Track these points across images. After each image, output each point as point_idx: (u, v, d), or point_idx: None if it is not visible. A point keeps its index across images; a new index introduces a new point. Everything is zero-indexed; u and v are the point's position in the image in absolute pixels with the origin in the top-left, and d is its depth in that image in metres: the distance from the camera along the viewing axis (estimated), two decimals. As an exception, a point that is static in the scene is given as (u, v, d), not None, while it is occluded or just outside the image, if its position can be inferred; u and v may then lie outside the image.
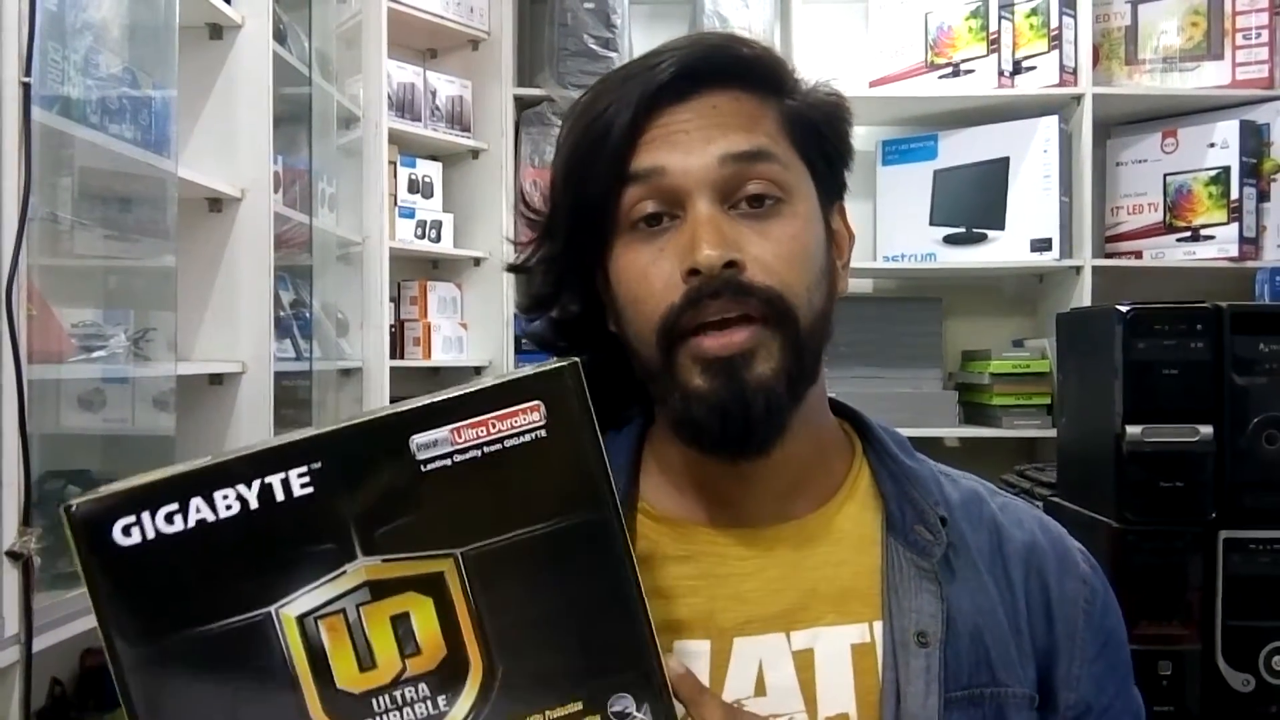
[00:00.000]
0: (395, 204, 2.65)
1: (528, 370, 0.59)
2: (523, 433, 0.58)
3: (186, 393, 1.78)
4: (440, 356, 2.74)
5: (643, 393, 0.83)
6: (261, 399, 1.91)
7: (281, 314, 2.07)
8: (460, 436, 0.57)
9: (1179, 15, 2.77)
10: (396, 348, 2.69)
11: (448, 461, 0.57)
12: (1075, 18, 2.73)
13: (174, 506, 0.55)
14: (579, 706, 0.58)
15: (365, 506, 0.57)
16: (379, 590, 0.57)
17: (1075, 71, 2.72)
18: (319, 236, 2.21)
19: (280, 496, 0.56)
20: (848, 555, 0.78)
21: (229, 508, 0.56)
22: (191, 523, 0.55)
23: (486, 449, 0.57)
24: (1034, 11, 2.74)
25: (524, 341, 2.80)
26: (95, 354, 1.51)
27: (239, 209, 1.90)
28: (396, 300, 2.73)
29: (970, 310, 2.99)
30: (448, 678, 0.57)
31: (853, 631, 0.75)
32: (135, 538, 0.55)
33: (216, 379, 1.90)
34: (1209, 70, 2.75)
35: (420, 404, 0.58)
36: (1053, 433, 2.49)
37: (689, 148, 0.73)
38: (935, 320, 2.88)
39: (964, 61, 2.80)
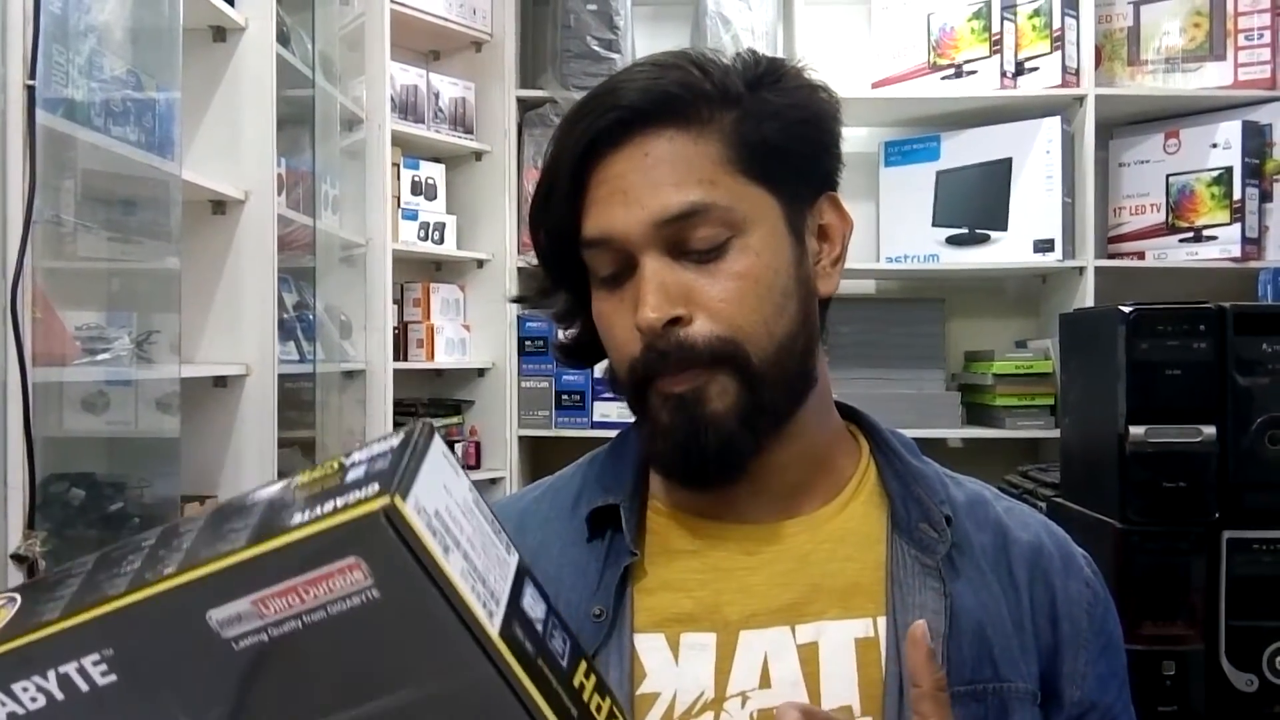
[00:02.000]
0: (398, 206, 2.65)
1: (332, 517, 0.44)
2: (347, 596, 0.44)
3: (190, 395, 1.78)
4: (443, 358, 2.75)
5: None
6: (265, 401, 1.91)
7: (285, 316, 2.07)
8: (267, 608, 0.44)
9: (1181, 16, 2.76)
10: (400, 350, 2.69)
11: (263, 637, 0.45)
12: (1078, 19, 2.73)
13: None
14: None
15: (183, 691, 0.47)
16: None
17: (1078, 72, 2.72)
18: (322, 238, 2.21)
19: (84, 687, 0.47)
20: (853, 551, 0.79)
21: (34, 699, 0.47)
22: (2, 716, 0.47)
23: (307, 619, 0.44)
24: (1036, 12, 2.74)
25: (528, 343, 2.82)
26: (99, 357, 1.52)
27: (242, 211, 1.90)
28: (400, 302, 2.73)
29: (973, 311, 2.99)
30: None
31: (857, 626, 0.76)
32: None
33: (220, 381, 1.90)
34: (1211, 71, 2.75)
35: (207, 570, 0.45)
36: (1056, 433, 2.49)
37: (627, 208, 0.74)
38: (938, 321, 2.88)
39: (966, 62, 2.80)
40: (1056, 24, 2.71)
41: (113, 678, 0.46)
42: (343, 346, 2.37)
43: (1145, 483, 1.75)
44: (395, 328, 2.62)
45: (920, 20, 2.85)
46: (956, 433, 2.78)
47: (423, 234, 2.72)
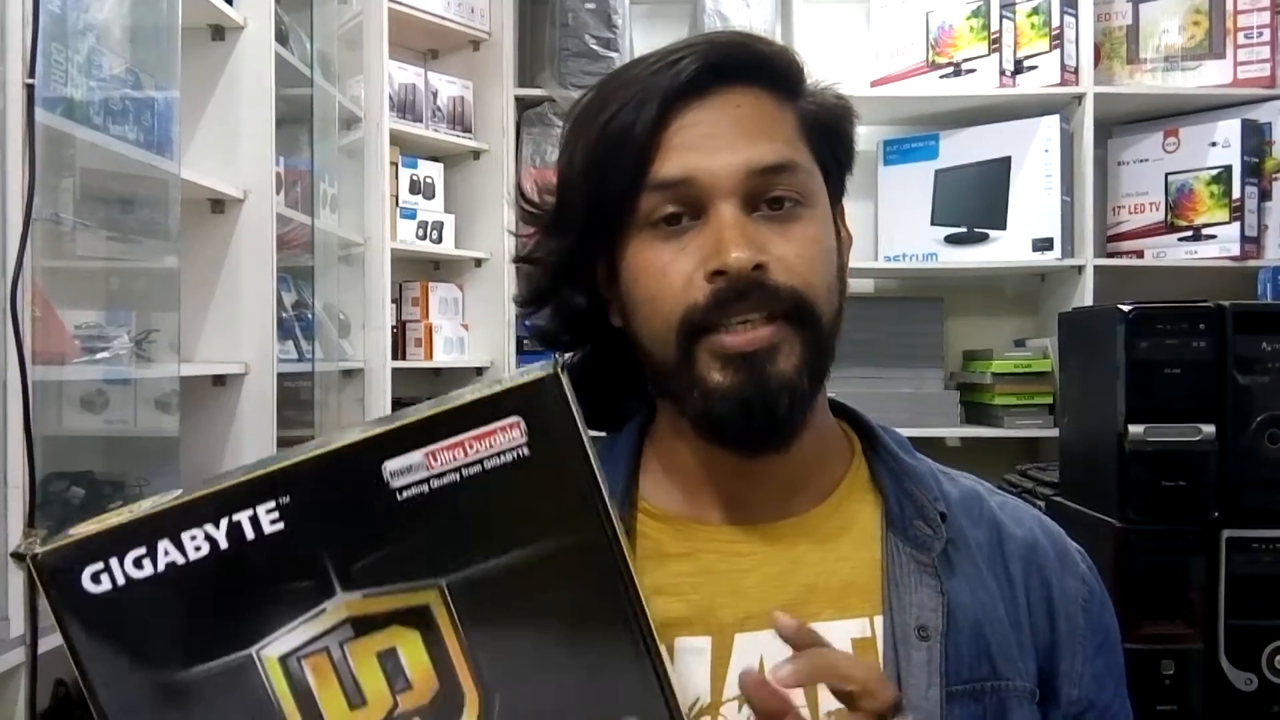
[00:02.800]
0: (397, 205, 2.65)
1: (505, 382, 0.55)
2: (503, 452, 0.54)
3: (189, 394, 1.78)
4: (442, 357, 2.74)
5: (642, 389, 0.83)
6: (264, 400, 1.91)
7: (284, 315, 2.07)
8: (436, 461, 0.54)
9: (1180, 14, 2.76)
10: (398, 349, 2.69)
11: (425, 488, 0.54)
12: (1076, 17, 2.73)
13: (141, 551, 0.53)
14: None
15: (341, 540, 0.54)
16: (362, 626, 0.55)
17: (1076, 71, 2.72)
18: (321, 237, 2.21)
19: (250, 535, 0.54)
20: (847, 551, 0.78)
21: (198, 549, 0.54)
22: (161, 566, 0.53)
23: (465, 472, 0.54)
24: (1035, 11, 2.74)
25: (525, 342, 2.81)
26: (98, 355, 1.51)
27: (241, 210, 1.90)
28: (398, 301, 2.73)
29: (972, 310, 2.99)
30: (443, 711, 0.55)
31: (853, 626, 0.75)
32: (105, 584, 0.53)
33: (219, 380, 1.90)
34: (1210, 69, 2.75)
35: (391, 427, 0.54)
36: (1055, 432, 2.49)
37: (714, 153, 0.73)
38: (936, 320, 2.88)
39: (965, 61, 2.80)
40: (1055, 22, 2.71)
41: (280, 525, 0.53)
42: (341, 345, 2.37)
43: (1144, 482, 1.75)
44: (393, 327, 2.62)
45: (919, 18, 2.85)
46: (955, 432, 2.78)
47: (421, 233, 2.72)
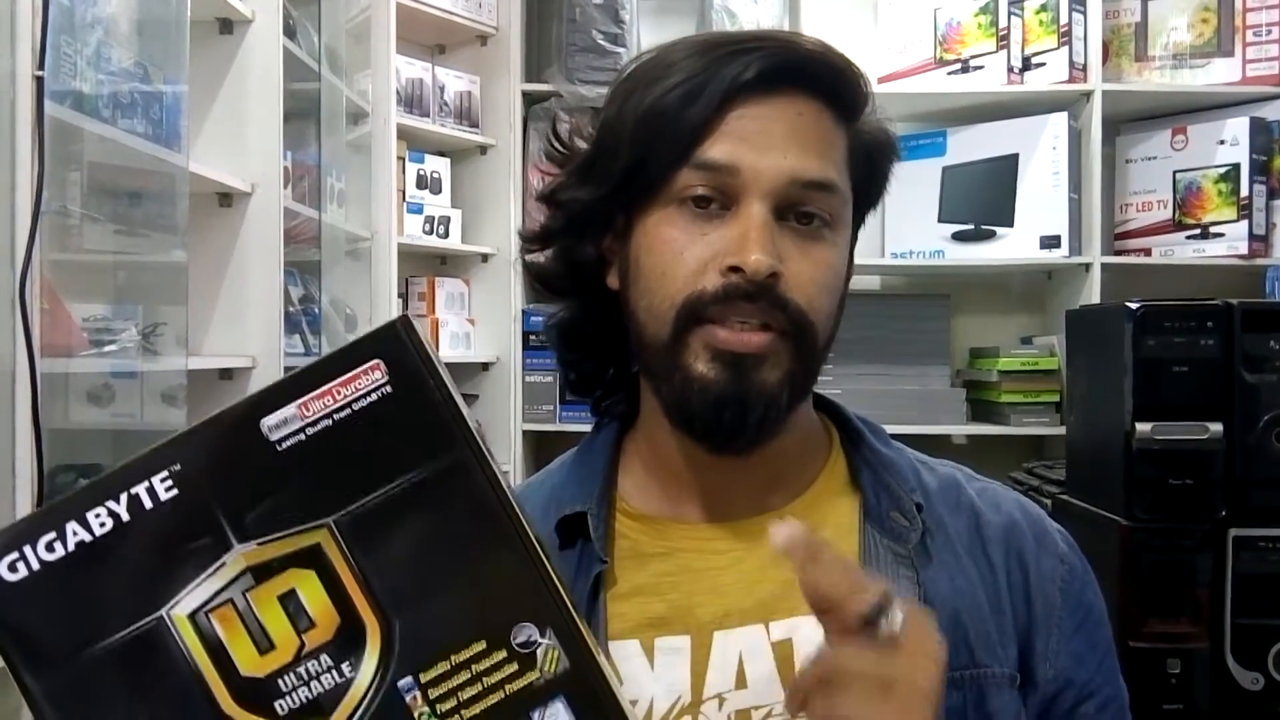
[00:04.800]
0: (404, 199, 2.65)
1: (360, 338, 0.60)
2: (368, 393, 0.58)
3: (196, 387, 1.78)
4: (448, 352, 2.74)
5: (622, 359, 0.84)
6: (271, 394, 1.91)
7: (290, 309, 2.07)
8: (309, 410, 0.58)
9: (1189, 12, 2.76)
10: (404, 343, 2.69)
11: (301, 436, 0.58)
12: (1085, 14, 2.72)
13: (52, 535, 0.57)
14: (482, 645, 0.58)
15: (231, 495, 0.58)
16: (260, 573, 0.58)
17: (1085, 68, 2.71)
18: (328, 232, 2.21)
19: (148, 504, 0.57)
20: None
21: (103, 525, 0.57)
22: (71, 546, 0.57)
23: (336, 416, 0.58)
24: (1043, 8, 2.73)
25: (532, 337, 2.81)
26: (106, 348, 1.52)
27: (249, 204, 1.90)
28: (405, 296, 2.73)
29: (978, 307, 2.99)
30: (347, 643, 0.58)
31: None
32: (22, 571, 0.56)
33: (226, 374, 1.90)
34: (1219, 67, 2.74)
35: (265, 388, 0.59)
36: (1061, 430, 2.49)
37: (765, 151, 0.73)
38: (943, 317, 2.87)
39: (973, 58, 2.79)
40: (1064, 19, 2.70)
41: (175, 492, 0.57)
42: (348, 340, 2.37)
43: (1151, 480, 1.75)
44: (400, 321, 2.62)
45: (927, 15, 2.84)
46: (961, 429, 2.77)
47: (428, 228, 2.72)
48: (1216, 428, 1.73)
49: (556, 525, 0.79)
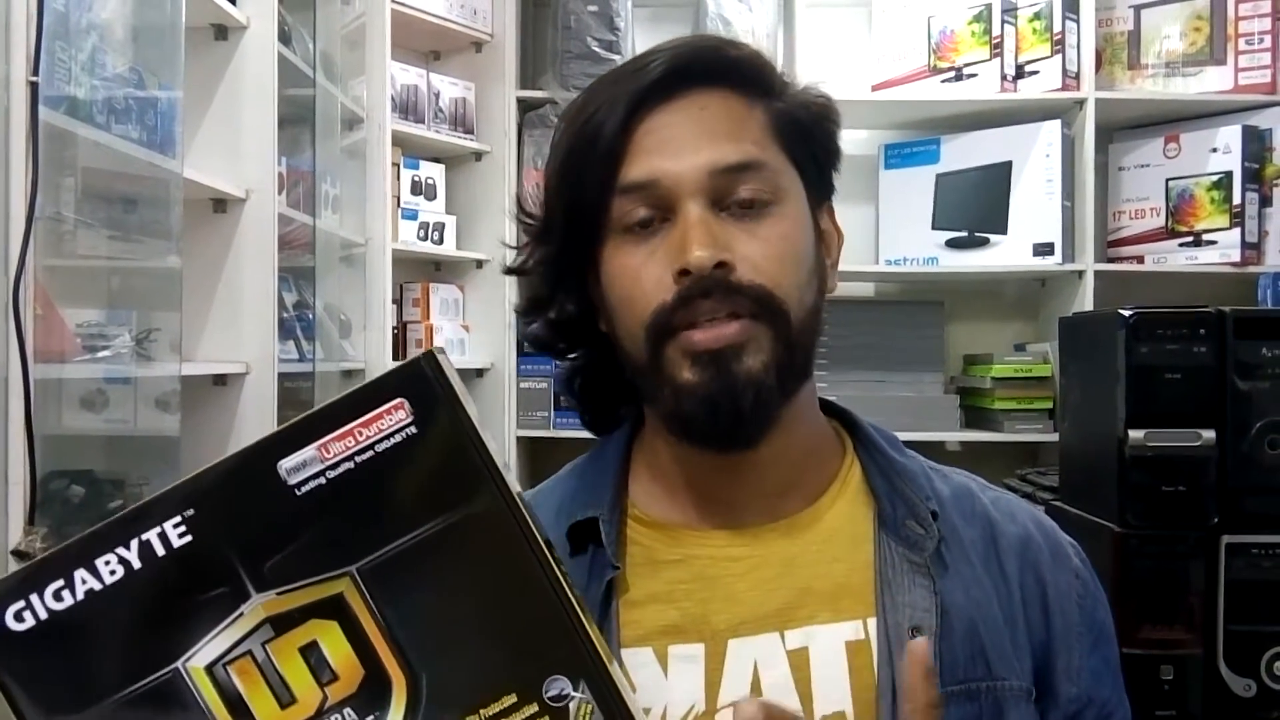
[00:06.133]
0: (398, 206, 2.65)
1: (383, 375, 0.58)
2: (391, 434, 0.56)
3: (190, 393, 1.78)
4: (442, 358, 2.74)
5: (634, 394, 0.83)
6: (265, 400, 1.91)
7: (285, 315, 2.07)
8: (328, 452, 0.55)
9: (1182, 20, 2.77)
10: (399, 349, 2.69)
11: (321, 480, 0.55)
12: (1078, 22, 2.73)
13: (60, 583, 0.55)
14: (514, 699, 0.56)
15: (248, 543, 0.55)
16: (281, 624, 0.55)
17: (1078, 76, 2.72)
18: (322, 238, 2.21)
19: (160, 550, 0.55)
20: (840, 552, 0.78)
21: (113, 572, 0.55)
22: (80, 595, 0.55)
23: (359, 459, 0.55)
24: (1037, 16, 2.74)
25: (526, 344, 2.81)
26: (99, 354, 1.51)
27: (243, 210, 1.90)
28: (399, 302, 2.73)
29: (972, 314, 3.00)
30: (372, 697, 0.56)
31: (847, 629, 0.75)
32: (29, 621, 0.54)
33: (220, 380, 1.90)
34: (1211, 75, 2.75)
35: (282, 428, 0.56)
36: (1054, 437, 2.49)
37: (678, 154, 0.74)
38: (937, 324, 2.88)
39: (966, 66, 2.80)
40: (1057, 27, 2.71)
41: (188, 538, 0.55)
42: (342, 346, 2.37)
43: (1144, 487, 1.75)
44: (394, 327, 2.62)
45: (920, 23, 2.85)
46: (955, 436, 2.78)
47: (422, 234, 2.72)
48: (1209, 435, 1.74)
49: (567, 531, 0.78)
